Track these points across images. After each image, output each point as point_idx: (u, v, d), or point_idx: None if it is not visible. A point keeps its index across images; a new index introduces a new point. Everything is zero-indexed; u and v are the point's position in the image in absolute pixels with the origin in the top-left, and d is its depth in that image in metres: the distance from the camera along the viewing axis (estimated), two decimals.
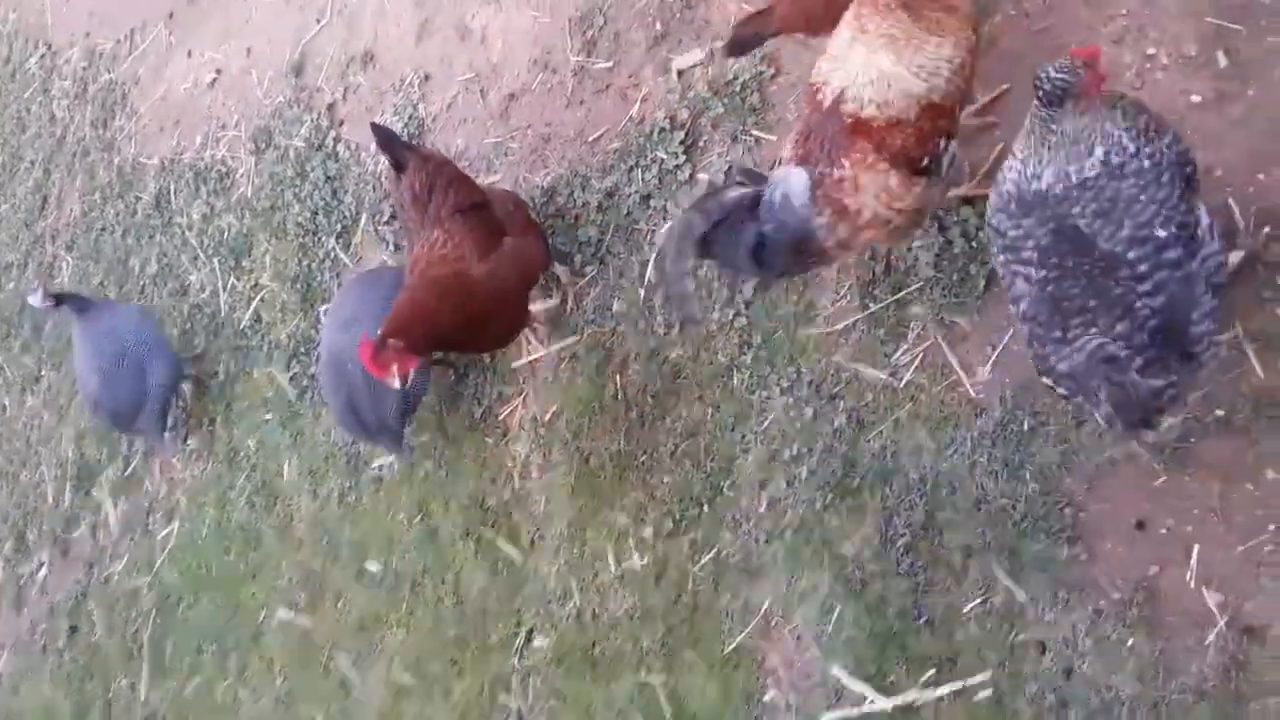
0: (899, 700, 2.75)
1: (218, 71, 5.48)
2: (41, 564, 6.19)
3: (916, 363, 2.86)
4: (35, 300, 4.70)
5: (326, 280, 4.60)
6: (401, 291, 3.32)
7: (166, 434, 5.02)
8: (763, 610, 3.07)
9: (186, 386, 5.10)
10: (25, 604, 6.31)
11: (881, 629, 2.82)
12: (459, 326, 3.29)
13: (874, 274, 2.96)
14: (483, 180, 4.09)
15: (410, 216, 3.47)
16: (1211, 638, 2.34)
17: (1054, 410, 2.61)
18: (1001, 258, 2.20)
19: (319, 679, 4.37)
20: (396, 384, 3.17)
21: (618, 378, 3.51)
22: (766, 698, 3.03)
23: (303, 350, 4.64)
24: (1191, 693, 2.34)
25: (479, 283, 3.27)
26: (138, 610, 5.38)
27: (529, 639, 3.67)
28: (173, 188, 5.45)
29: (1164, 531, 2.45)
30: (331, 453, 4.47)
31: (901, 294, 2.91)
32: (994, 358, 2.73)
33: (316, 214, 4.64)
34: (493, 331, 3.50)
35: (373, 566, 4.21)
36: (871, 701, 2.79)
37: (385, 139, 3.54)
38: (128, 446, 5.60)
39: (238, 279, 4.98)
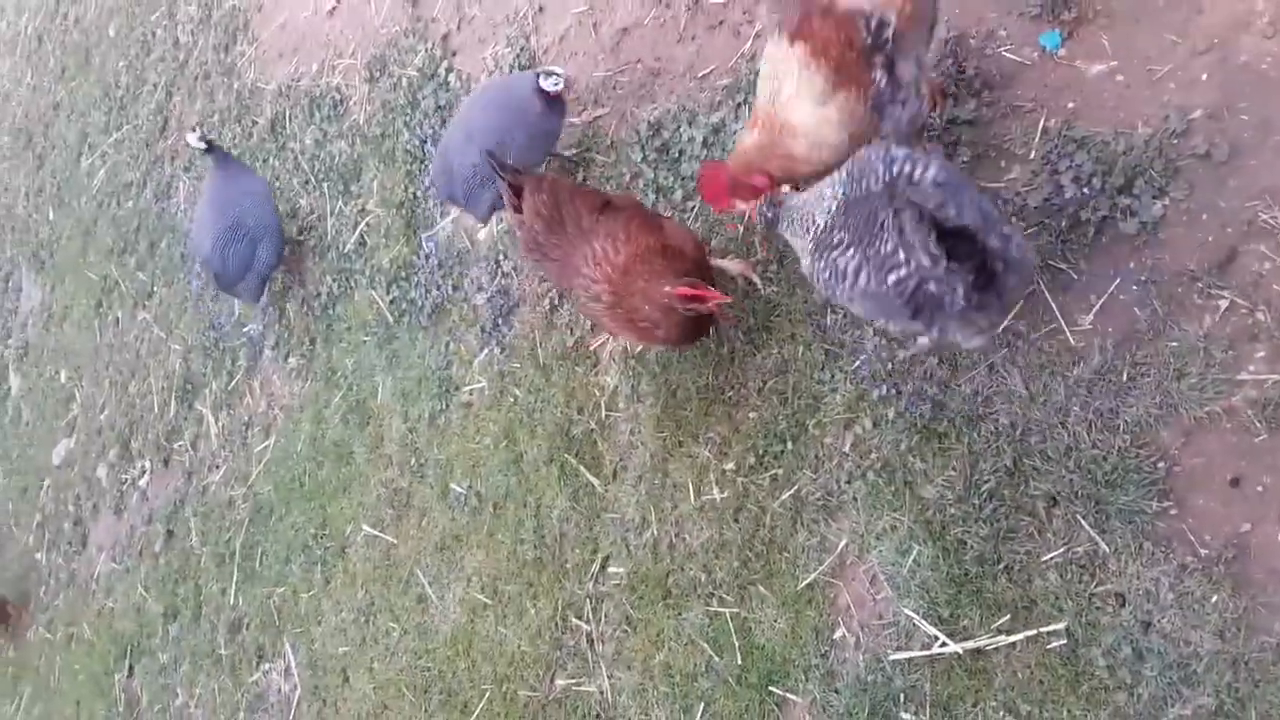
0: (969, 645, 2.75)
1: (337, 0, 5.62)
2: (144, 471, 6.49)
3: (1016, 308, 2.83)
4: (193, 140, 4.92)
5: (430, 209, 4.71)
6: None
7: (259, 302, 5.42)
8: (839, 549, 3.09)
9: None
10: (126, 509, 6.63)
11: (958, 573, 2.81)
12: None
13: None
14: (589, 114, 4.14)
15: (550, 244, 3.25)
16: None
17: (1156, 362, 2.56)
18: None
19: (399, 594, 4.52)
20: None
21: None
22: (836, 635, 3.05)
23: (403, 275, 4.76)
24: (1273, 651, 2.30)
25: (682, 239, 3.12)
26: (232, 519, 5.61)
27: (604, 565, 3.74)
28: (288, 113, 5.62)
29: (1260, 489, 2.40)
30: (424, 376, 4.60)
31: None
32: (1098, 306, 2.69)
33: (425, 142, 4.74)
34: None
35: (457, 488, 4.32)
36: (942, 644, 2.79)
37: (500, 164, 3.41)
38: (231, 362, 5.84)
39: (345, 204, 5.12)
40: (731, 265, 3.45)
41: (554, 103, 3.80)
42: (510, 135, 3.79)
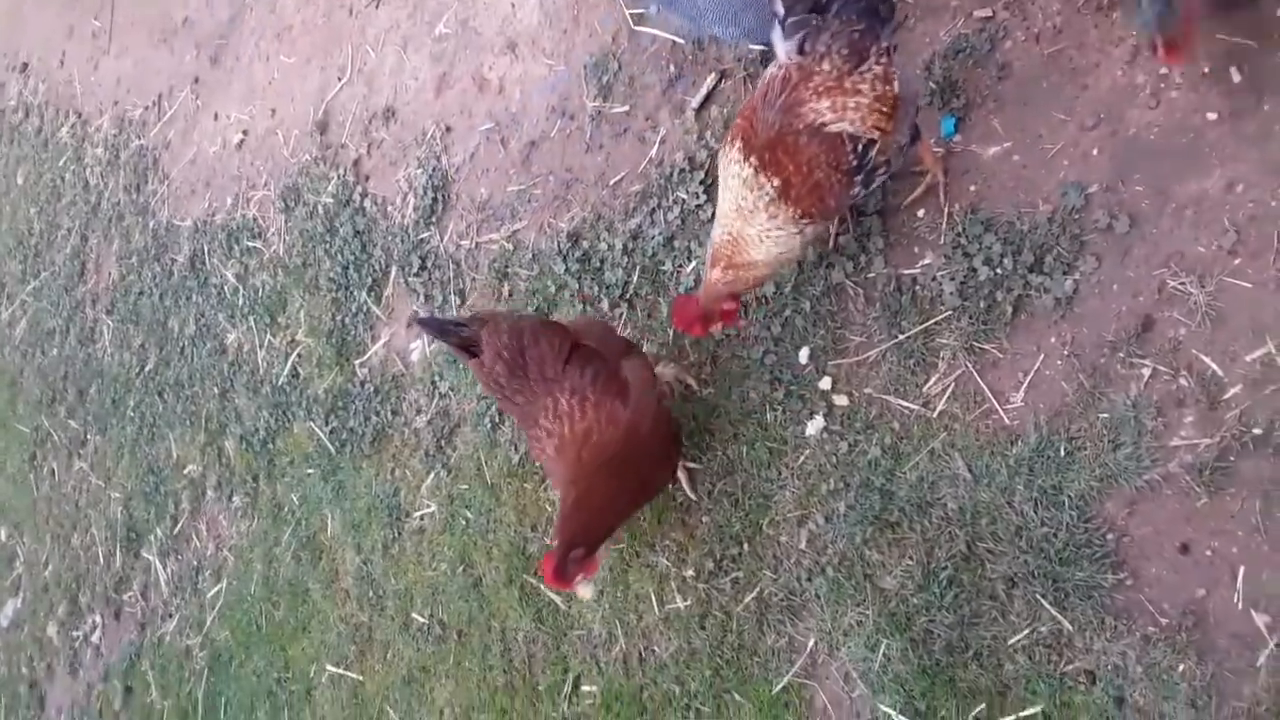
0: None
1: (244, 133, 5.60)
2: (95, 626, 6.28)
3: (948, 392, 2.85)
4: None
5: (360, 334, 4.66)
6: (567, 489, 2.98)
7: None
8: (808, 648, 3.06)
9: None
10: (80, 667, 6.40)
11: (929, 664, 2.79)
12: (635, 488, 3.07)
13: (901, 304, 2.96)
14: (507, 228, 4.14)
15: (514, 390, 3.06)
16: (1263, 659, 2.30)
17: (1090, 435, 2.59)
18: None
19: None
20: (587, 593, 3.14)
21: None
22: None
23: (340, 404, 4.70)
24: (1245, 716, 2.30)
25: (642, 436, 2.99)
26: (191, 669, 5.44)
27: (577, 685, 3.67)
28: (206, 248, 5.56)
29: (1208, 553, 2.42)
30: (373, 505, 4.52)
31: (929, 323, 2.90)
32: (1026, 383, 2.72)
33: (348, 268, 4.71)
34: (661, 469, 3.22)
35: (419, 617, 4.23)
36: None
37: (438, 328, 3.26)
38: (174, 505, 5.70)
39: (274, 336, 5.06)
40: (666, 371, 3.45)
41: None
42: None
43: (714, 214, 3.42)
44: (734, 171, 2.71)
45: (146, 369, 5.92)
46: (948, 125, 2.97)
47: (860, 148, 2.60)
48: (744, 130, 2.69)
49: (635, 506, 3.19)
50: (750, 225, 2.71)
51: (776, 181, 2.64)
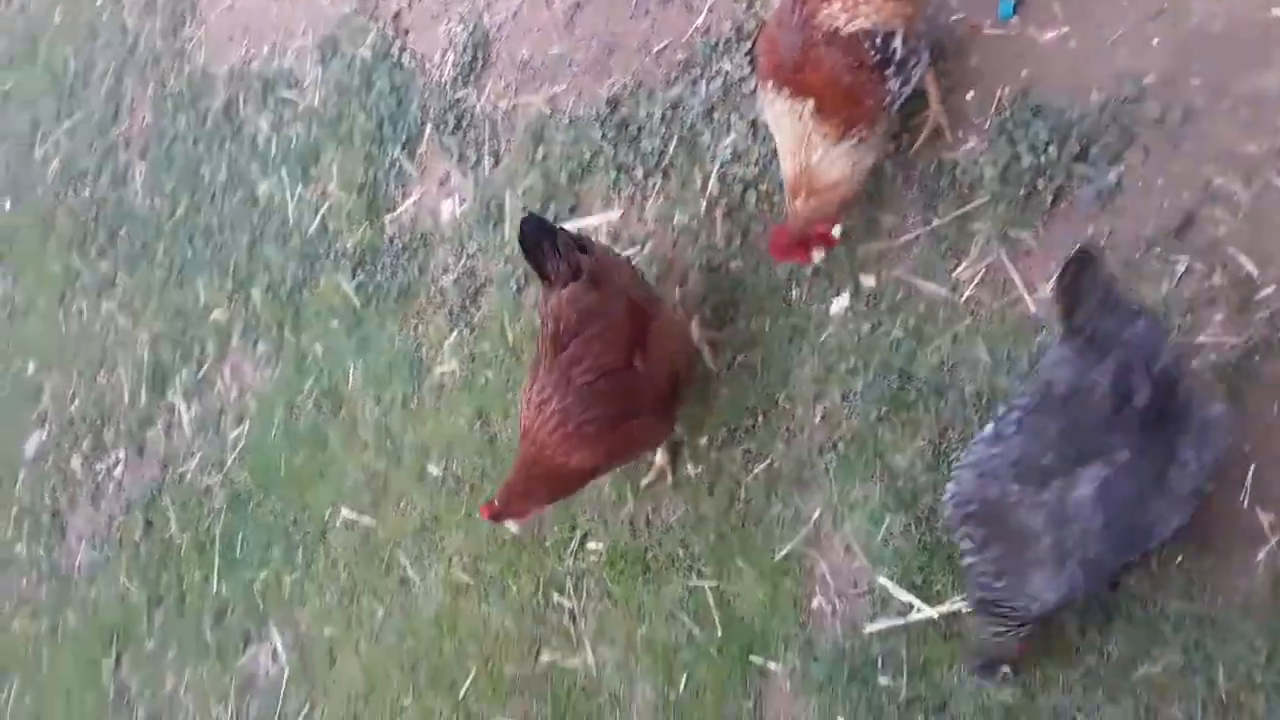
0: (944, 609, 2.81)
1: None
2: (118, 461, 6.46)
3: (978, 278, 2.85)
4: None
5: (392, 190, 4.67)
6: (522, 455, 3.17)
7: None
8: (813, 520, 3.13)
9: None
10: (102, 499, 6.61)
11: (930, 540, 2.87)
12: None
13: (939, 188, 2.94)
14: (546, 90, 4.10)
15: (543, 345, 3.04)
16: (1262, 556, 2.36)
17: None
18: None
19: (381, 576, 4.55)
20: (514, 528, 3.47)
21: (678, 289, 3.54)
22: (813, 604, 3.11)
23: (368, 259, 4.73)
24: (1238, 610, 2.37)
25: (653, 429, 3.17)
26: (210, 507, 5.60)
27: (583, 543, 3.78)
28: (241, 97, 5.52)
29: None
30: (395, 360, 4.59)
31: (966, 209, 2.89)
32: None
33: (382, 124, 4.69)
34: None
35: (434, 470, 4.34)
36: (917, 610, 2.85)
37: (552, 237, 2.93)
38: (200, 350, 5.79)
39: (305, 188, 5.06)
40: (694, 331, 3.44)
41: None
42: None
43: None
44: (774, 109, 2.74)
45: (177, 214, 5.95)
46: (1005, 7, 2.90)
47: (880, 41, 2.59)
48: (770, 63, 2.72)
49: (581, 482, 3.29)
50: (811, 153, 2.73)
51: (811, 103, 2.66)
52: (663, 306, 3.20)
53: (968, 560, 2.31)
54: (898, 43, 2.61)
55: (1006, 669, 2.52)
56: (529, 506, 3.28)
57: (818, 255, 3.07)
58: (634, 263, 3.48)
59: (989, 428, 2.28)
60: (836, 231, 2.97)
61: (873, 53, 2.60)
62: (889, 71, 2.64)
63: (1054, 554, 2.17)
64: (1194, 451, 2.15)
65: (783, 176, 2.86)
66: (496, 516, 3.26)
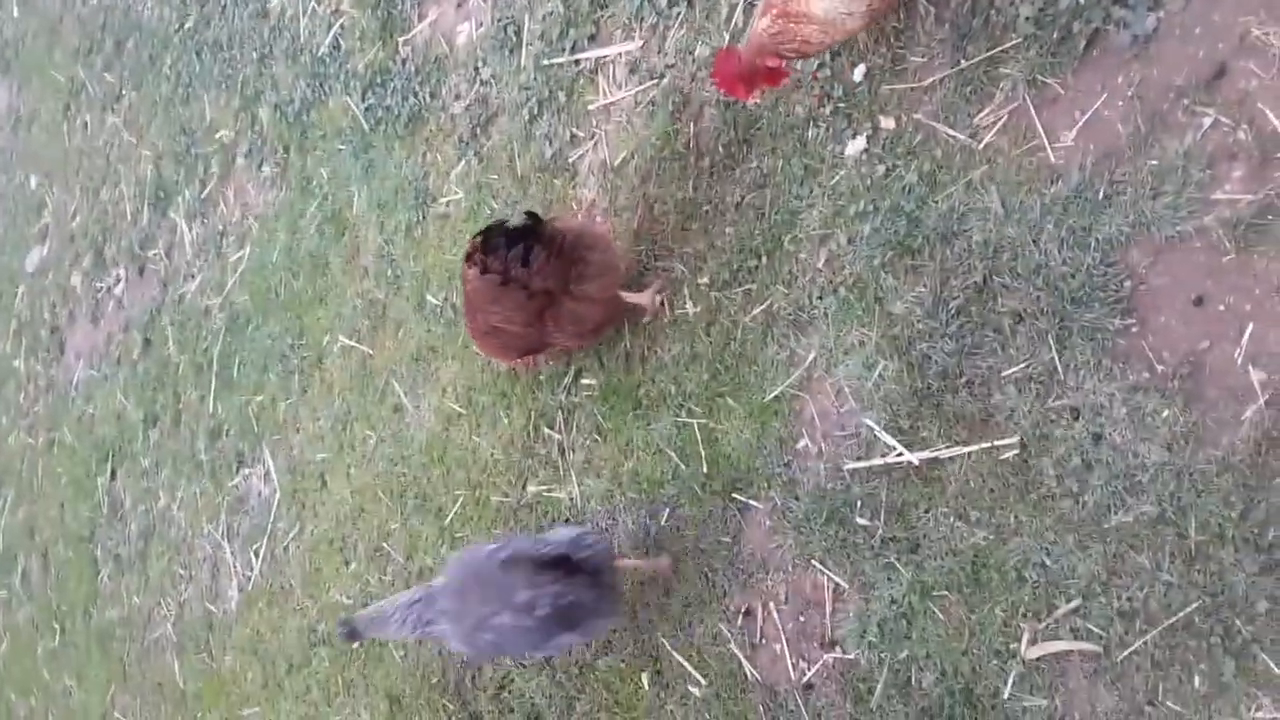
0: (926, 455, 2.83)
1: None
2: (119, 279, 6.46)
3: (1000, 124, 2.79)
4: None
5: (407, 10, 4.54)
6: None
7: None
8: (807, 363, 3.14)
9: None
10: (102, 317, 6.64)
11: (920, 387, 2.87)
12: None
13: (971, 28, 2.85)
14: None
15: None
16: (1249, 413, 2.36)
17: (1133, 180, 2.55)
18: None
19: (375, 403, 4.60)
20: None
21: (693, 125, 3.48)
22: (799, 445, 3.14)
23: (379, 81, 4.64)
24: (1217, 464, 2.38)
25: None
26: (209, 328, 5.63)
27: (578, 377, 3.80)
28: None
29: (1221, 308, 2.43)
30: (401, 186, 4.54)
31: (996, 50, 2.80)
32: (1082, 122, 2.65)
33: None
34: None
35: (433, 299, 4.34)
36: (899, 454, 2.88)
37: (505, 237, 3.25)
38: (204, 169, 5.73)
39: (318, 3, 4.93)
40: (641, 297, 3.52)
41: None
42: None
43: None
44: None
45: (186, 26, 5.82)
46: None
47: None
48: None
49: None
50: None
51: None
52: (587, 286, 3.35)
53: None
54: None
55: None
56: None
57: (756, 96, 2.98)
58: (609, 224, 3.70)
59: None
60: (786, 71, 2.89)
61: None
62: None
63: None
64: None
65: None
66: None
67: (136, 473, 6.09)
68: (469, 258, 3.26)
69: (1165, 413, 2.47)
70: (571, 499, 3.77)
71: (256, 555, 5.10)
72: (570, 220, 3.47)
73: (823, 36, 2.77)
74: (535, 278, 3.22)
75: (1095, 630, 2.51)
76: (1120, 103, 2.61)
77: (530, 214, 3.24)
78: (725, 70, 2.90)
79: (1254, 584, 2.30)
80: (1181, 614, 2.39)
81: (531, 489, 3.91)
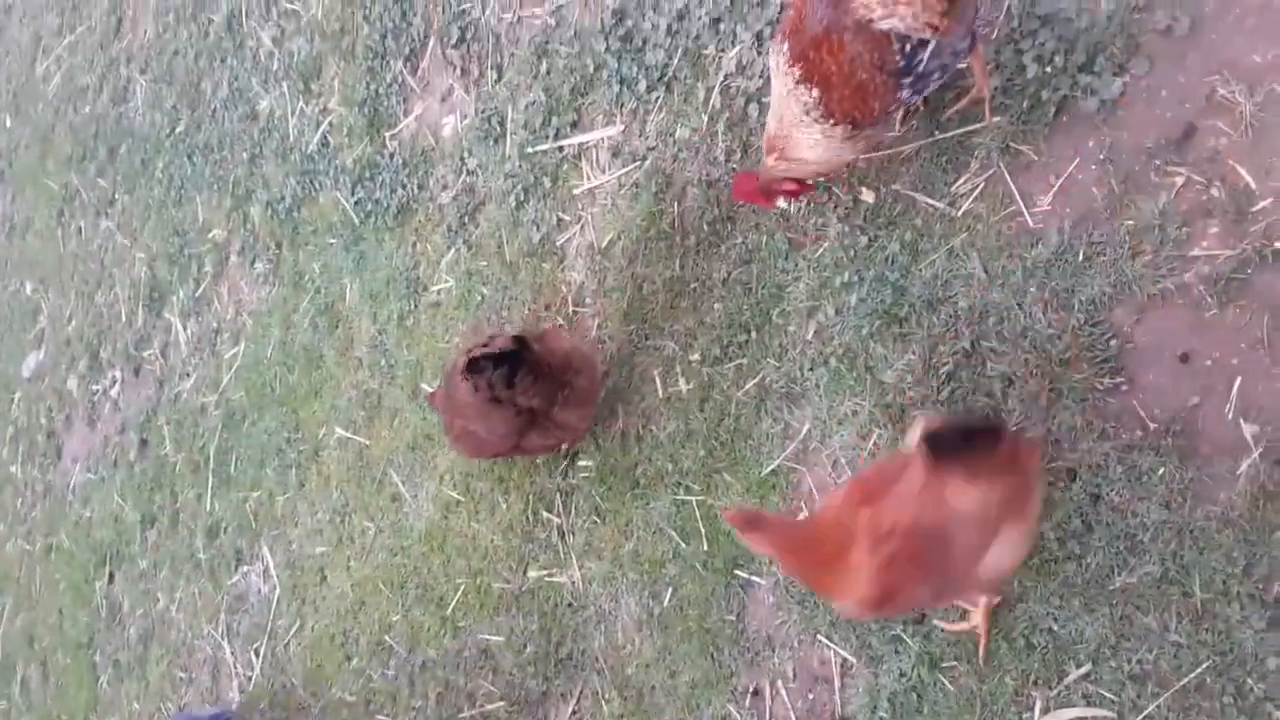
0: None
1: None
2: (114, 381, 6.47)
3: (977, 192, 2.83)
4: None
5: (394, 105, 4.63)
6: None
7: None
8: (802, 435, 3.14)
9: None
10: (98, 419, 6.62)
11: None
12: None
13: (943, 100, 2.91)
14: (550, 2, 4.04)
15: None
16: (1244, 468, 2.36)
17: (1111, 241, 2.59)
18: None
19: (373, 494, 4.57)
20: None
21: (676, 204, 3.53)
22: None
23: (367, 175, 4.71)
24: (1217, 520, 2.37)
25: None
26: (205, 426, 5.62)
27: (574, 459, 3.79)
28: (244, 9, 5.48)
29: (1208, 364, 2.45)
30: (392, 277, 4.58)
31: (970, 127, 2.86)
32: (1056, 186, 2.70)
33: (385, 37, 4.65)
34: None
35: (428, 388, 4.34)
36: None
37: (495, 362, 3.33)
38: (197, 269, 5.78)
39: (306, 103, 5.03)
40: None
41: None
42: None
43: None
44: (780, 77, 2.61)
45: (177, 130, 5.92)
46: None
47: (909, 48, 2.43)
48: (793, 23, 2.55)
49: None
50: (799, 130, 2.66)
51: (816, 92, 2.54)
52: (569, 414, 3.51)
53: None
54: (925, 55, 2.46)
55: None
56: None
57: (781, 204, 3.11)
58: (591, 347, 3.75)
59: None
60: (809, 186, 3.01)
61: (898, 58, 2.45)
62: (906, 80, 2.50)
63: None
64: None
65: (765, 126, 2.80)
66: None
67: (135, 575, 6.02)
68: (465, 371, 3.35)
69: (1161, 470, 2.47)
70: (573, 582, 3.74)
71: (257, 654, 5.02)
72: (561, 339, 3.51)
73: (824, 168, 2.87)
74: (521, 397, 3.35)
75: (1108, 695, 2.47)
76: (1093, 166, 2.66)
77: (518, 338, 3.30)
78: (744, 189, 3.03)
79: (1262, 640, 2.28)
80: (1193, 675, 2.36)
81: (533, 574, 3.87)
